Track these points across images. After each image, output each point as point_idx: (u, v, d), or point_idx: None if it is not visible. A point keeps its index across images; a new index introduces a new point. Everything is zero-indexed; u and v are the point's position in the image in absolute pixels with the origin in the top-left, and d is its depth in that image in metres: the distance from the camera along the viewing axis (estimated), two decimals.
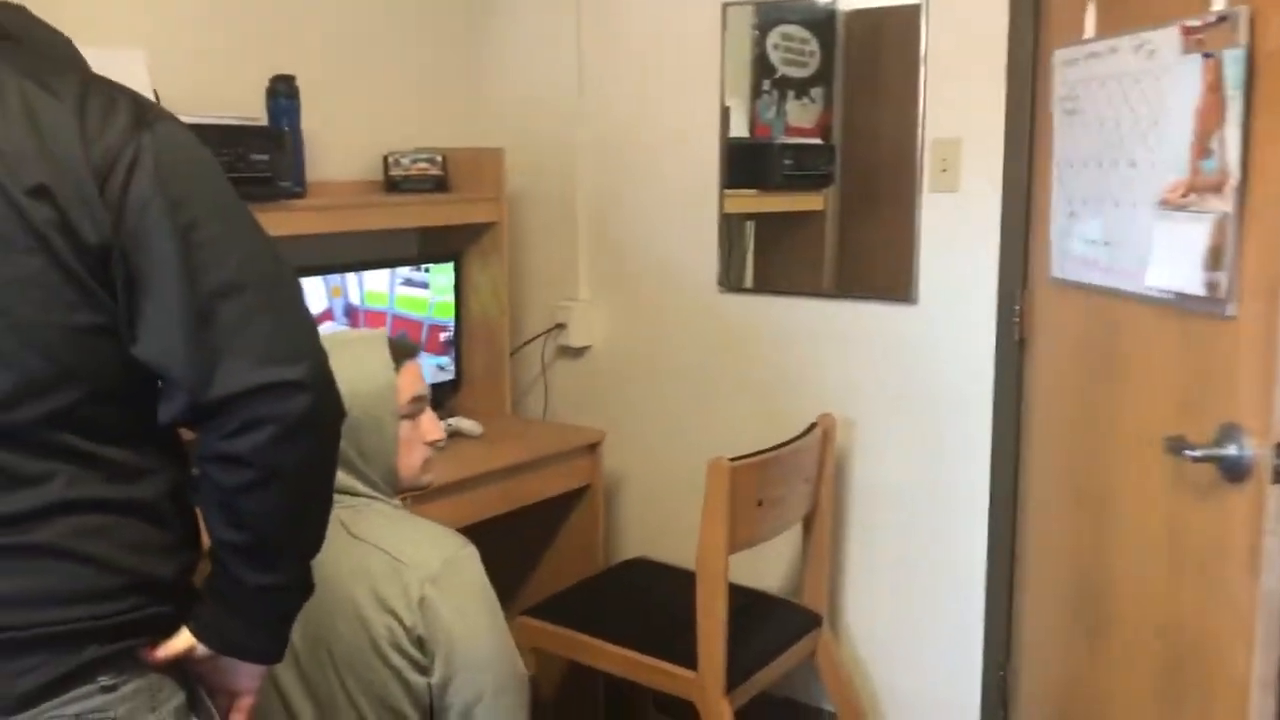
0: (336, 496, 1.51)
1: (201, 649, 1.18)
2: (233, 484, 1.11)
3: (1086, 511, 2.02)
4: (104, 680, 1.09)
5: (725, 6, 2.71)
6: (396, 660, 1.49)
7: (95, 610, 1.08)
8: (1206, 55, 1.53)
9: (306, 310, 1.16)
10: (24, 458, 1.05)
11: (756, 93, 2.73)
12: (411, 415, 1.62)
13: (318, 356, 1.12)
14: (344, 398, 1.41)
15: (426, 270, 2.82)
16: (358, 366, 1.54)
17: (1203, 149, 1.55)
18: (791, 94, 2.68)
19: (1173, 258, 1.62)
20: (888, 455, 2.60)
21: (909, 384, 2.56)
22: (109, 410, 1.09)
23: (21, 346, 1.04)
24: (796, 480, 2.39)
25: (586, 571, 2.75)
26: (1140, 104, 1.74)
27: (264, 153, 2.25)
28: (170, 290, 1.06)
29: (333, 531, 1.47)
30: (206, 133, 2.12)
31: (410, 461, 1.63)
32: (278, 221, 2.29)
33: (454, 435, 2.64)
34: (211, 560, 1.18)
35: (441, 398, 2.78)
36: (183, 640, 1.17)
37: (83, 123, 1.05)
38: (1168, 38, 1.64)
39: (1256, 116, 1.46)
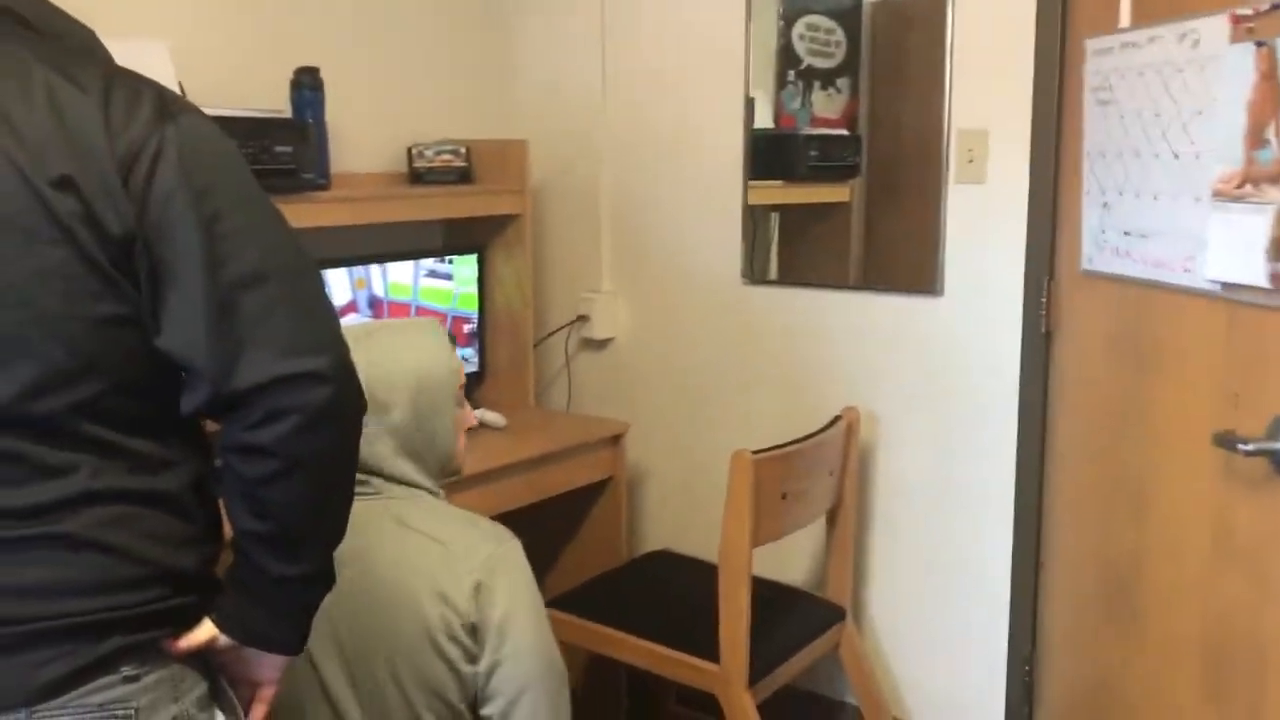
0: (391, 487, 1.59)
1: (224, 639, 1.19)
2: (255, 474, 1.11)
3: (1121, 506, 1.99)
4: (127, 670, 1.10)
5: None
6: (451, 650, 1.50)
7: (118, 601, 1.09)
8: (1259, 44, 1.50)
9: (328, 301, 1.16)
10: (48, 449, 1.06)
11: (782, 83, 2.71)
12: (460, 402, 1.66)
13: (339, 348, 1.12)
14: (414, 384, 1.55)
15: (450, 262, 2.82)
16: (426, 352, 1.58)
17: (1258, 139, 1.53)
18: (817, 84, 2.66)
19: (1231, 249, 1.59)
20: (912, 448, 2.59)
21: (934, 377, 2.54)
22: (132, 401, 1.10)
23: (45, 338, 1.04)
24: (820, 473, 2.38)
25: (609, 564, 2.75)
26: (1182, 94, 1.72)
27: (288, 145, 2.25)
28: (193, 281, 1.06)
29: (386, 524, 1.55)
30: (231, 125, 2.14)
31: (459, 448, 1.66)
32: (302, 214, 2.30)
33: (478, 427, 2.64)
34: (234, 551, 1.19)
35: (465, 389, 2.77)
36: (205, 631, 1.17)
37: (107, 115, 1.05)
38: (1214, 26, 1.61)
39: None
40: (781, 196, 2.79)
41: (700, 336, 2.88)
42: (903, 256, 2.58)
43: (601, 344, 3.07)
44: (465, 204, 2.76)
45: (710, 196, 2.82)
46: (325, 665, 1.54)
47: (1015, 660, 2.48)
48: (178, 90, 2.20)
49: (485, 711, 1.55)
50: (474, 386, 2.92)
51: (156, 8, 2.37)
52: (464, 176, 2.78)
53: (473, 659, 1.52)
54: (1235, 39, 1.56)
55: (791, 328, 2.73)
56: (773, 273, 2.79)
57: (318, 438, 1.10)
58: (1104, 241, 2.00)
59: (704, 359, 2.88)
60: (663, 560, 2.76)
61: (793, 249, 2.79)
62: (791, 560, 2.76)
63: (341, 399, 1.11)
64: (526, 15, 3.08)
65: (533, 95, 3.09)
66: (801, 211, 2.79)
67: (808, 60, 2.66)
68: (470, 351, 2.89)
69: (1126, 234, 1.91)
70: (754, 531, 2.17)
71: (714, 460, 2.50)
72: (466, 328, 2.87)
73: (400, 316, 2.71)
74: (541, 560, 2.91)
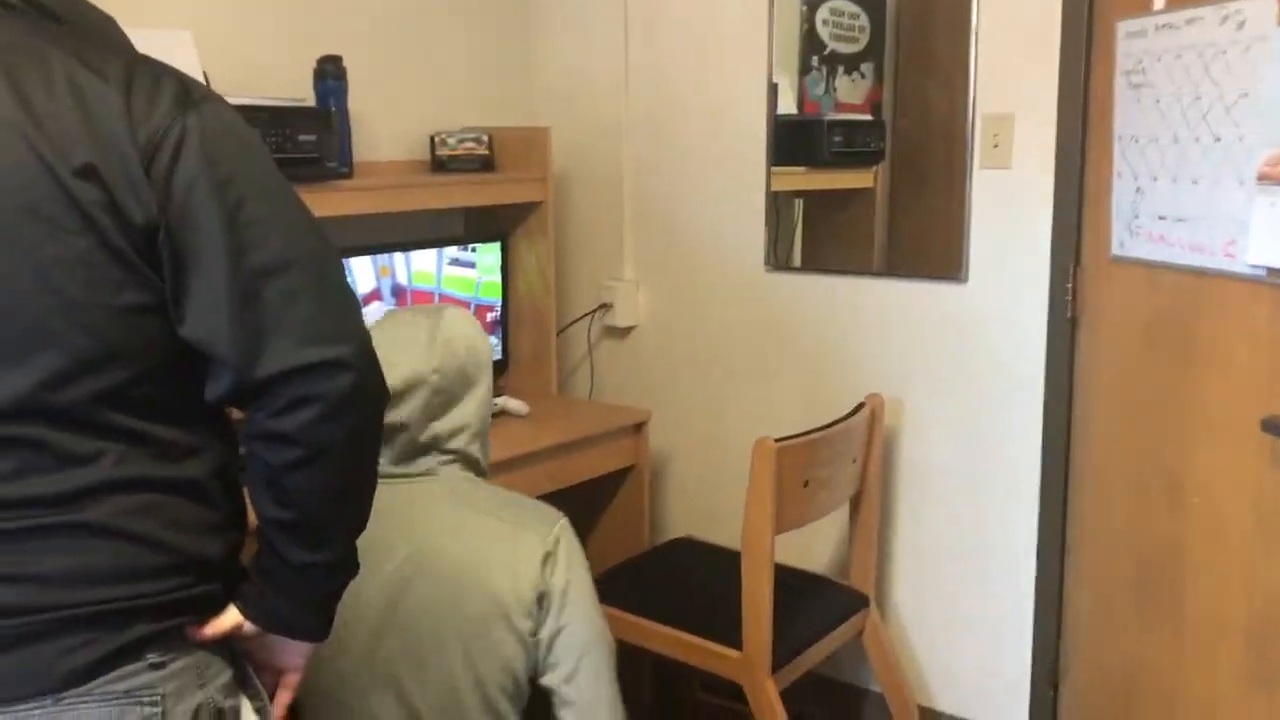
0: (446, 468, 1.63)
1: (249, 627, 1.19)
2: (279, 462, 1.12)
3: (1155, 491, 1.97)
4: (152, 658, 1.11)
5: None
6: (522, 624, 1.55)
7: (143, 588, 1.09)
8: None
9: (351, 289, 1.17)
10: (73, 437, 1.06)
11: (805, 69, 2.70)
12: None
13: (361, 335, 1.13)
14: (487, 362, 1.63)
15: (473, 250, 2.82)
16: (479, 335, 1.65)
17: None
18: (841, 70, 2.64)
19: (1276, 234, 1.57)
20: (936, 435, 2.57)
21: (958, 364, 2.52)
22: (156, 389, 1.10)
23: (70, 326, 1.04)
24: (844, 461, 2.37)
25: (632, 551, 2.75)
26: (1225, 76, 1.69)
27: (311, 134, 2.26)
28: (216, 270, 1.07)
29: (445, 504, 1.59)
30: (254, 114, 2.15)
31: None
32: (325, 202, 2.31)
33: (500, 415, 2.65)
34: (258, 539, 1.19)
35: None
36: (230, 618, 1.18)
37: (129, 103, 1.05)
38: (1261, 7, 1.58)
39: None
40: (805, 183, 2.77)
41: (723, 324, 2.88)
42: (927, 242, 2.57)
43: (624, 332, 3.06)
44: (488, 192, 2.76)
45: (733, 183, 2.80)
46: (388, 647, 1.55)
47: (1041, 646, 2.46)
48: (202, 79, 2.21)
49: (548, 679, 1.58)
50: (497, 375, 2.93)
51: None
52: (486, 164, 2.78)
53: (535, 630, 1.56)
54: None
55: (815, 315, 2.72)
56: (796, 259, 2.78)
57: (340, 425, 1.10)
58: (1137, 227, 1.98)
59: (727, 346, 2.88)
60: (685, 548, 2.76)
61: (816, 235, 2.78)
62: (815, 547, 2.75)
63: (363, 387, 1.11)
64: (549, 3, 3.07)
65: (555, 82, 3.08)
66: (825, 198, 2.77)
67: (832, 45, 2.65)
68: (493, 339, 2.89)
69: (1162, 218, 1.89)
70: (776, 519, 2.17)
71: (737, 448, 2.49)
72: (489, 316, 2.88)
73: (424, 304, 2.71)
74: None
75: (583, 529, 2.89)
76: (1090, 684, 2.31)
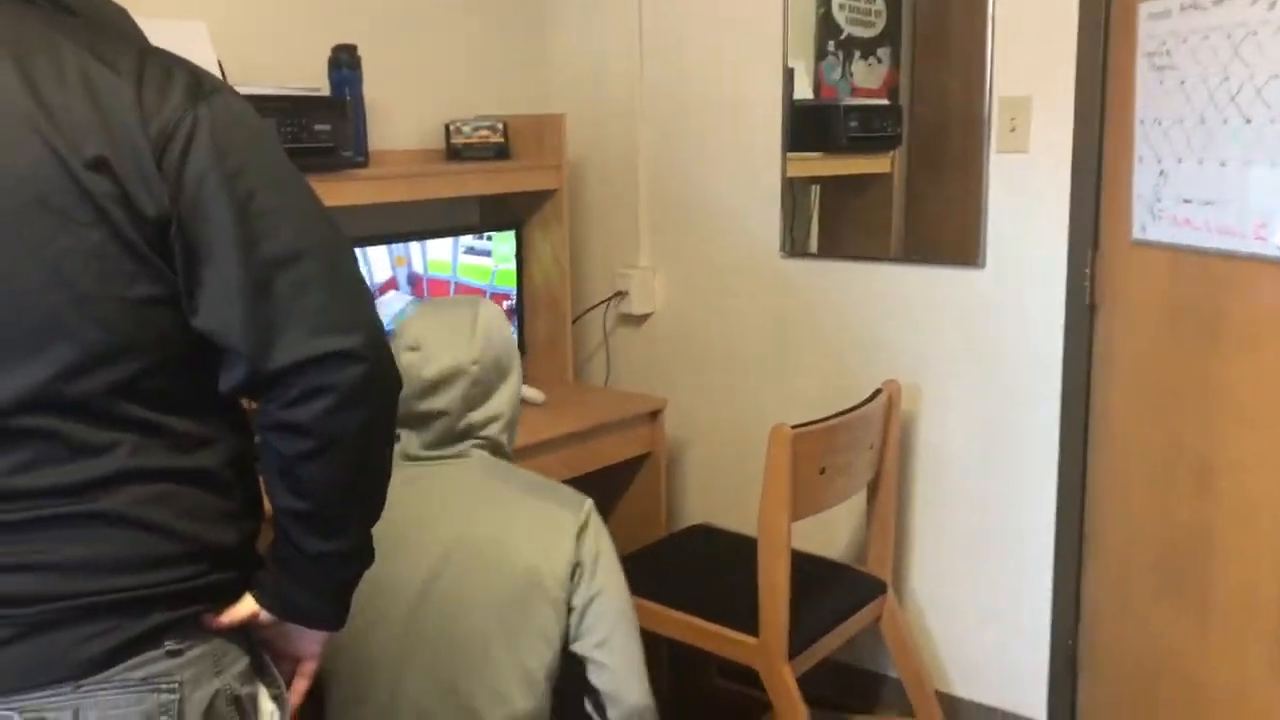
0: (480, 452, 1.70)
1: (265, 615, 1.20)
2: (293, 452, 1.12)
3: (1181, 479, 1.96)
4: (170, 645, 1.11)
5: None
6: (558, 592, 1.62)
7: (159, 577, 1.10)
8: None
9: (363, 279, 1.17)
10: (88, 427, 1.07)
11: (821, 54, 2.68)
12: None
13: (373, 326, 1.13)
14: (510, 352, 1.69)
15: (489, 238, 2.83)
16: (509, 326, 1.73)
17: None
18: (857, 54, 2.63)
19: None
20: (953, 421, 2.56)
21: (976, 349, 2.51)
22: (170, 381, 1.11)
23: (83, 319, 1.05)
24: (860, 447, 2.36)
25: (649, 538, 2.75)
26: (1256, 57, 1.67)
27: (326, 123, 2.26)
28: (228, 261, 1.07)
29: (482, 483, 1.66)
30: (269, 104, 2.15)
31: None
32: (341, 191, 2.31)
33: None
34: (274, 528, 1.20)
35: None
36: (246, 607, 1.19)
37: (140, 95, 1.06)
38: None
39: None
40: (821, 168, 2.76)
41: (739, 310, 2.87)
42: (944, 228, 2.55)
43: (640, 319, 3.06)
44: (503, 180, 2.76)
45: (749, 169, 2.79)
46: (425, 619, 1.60)
47: (1059, 633, 2.46)
48: (217, 70, 2.22)
49: (581, 645, 1.65)
50: None
51: None
52: (501, 152, 2.78)
53: (571, 597, 1.64)
54: None
55: (831, 301, 2.71)
56: (813, 246, 2.77)
57: (353, 415, 1.11)
58: (1160, 210, 1.96)
59: (743, 333, 2.87)
60: (702, 534, 2.76)
61: (833, 222, 2.76)
62: (833, 533, 2.75)
63: (375, 377, 1.11)
64: None
65: (569, 69, 3.08)
66: (842, 183, 2.76)
67: (848, 30, 2.63)
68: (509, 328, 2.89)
69: (1187, 201, 1.87)
70: (793, 505, 2.16)
71: (753, 434, 2.49)
72: (505, 304, 2.88)
73: (440, 294, 2.72)
74: None
75: (600, 516, 2.89)
76: (1111, 670, 2.31)
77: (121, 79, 1.06)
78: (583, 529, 1.66)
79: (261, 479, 1.20)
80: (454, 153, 2.75)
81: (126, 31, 1.17)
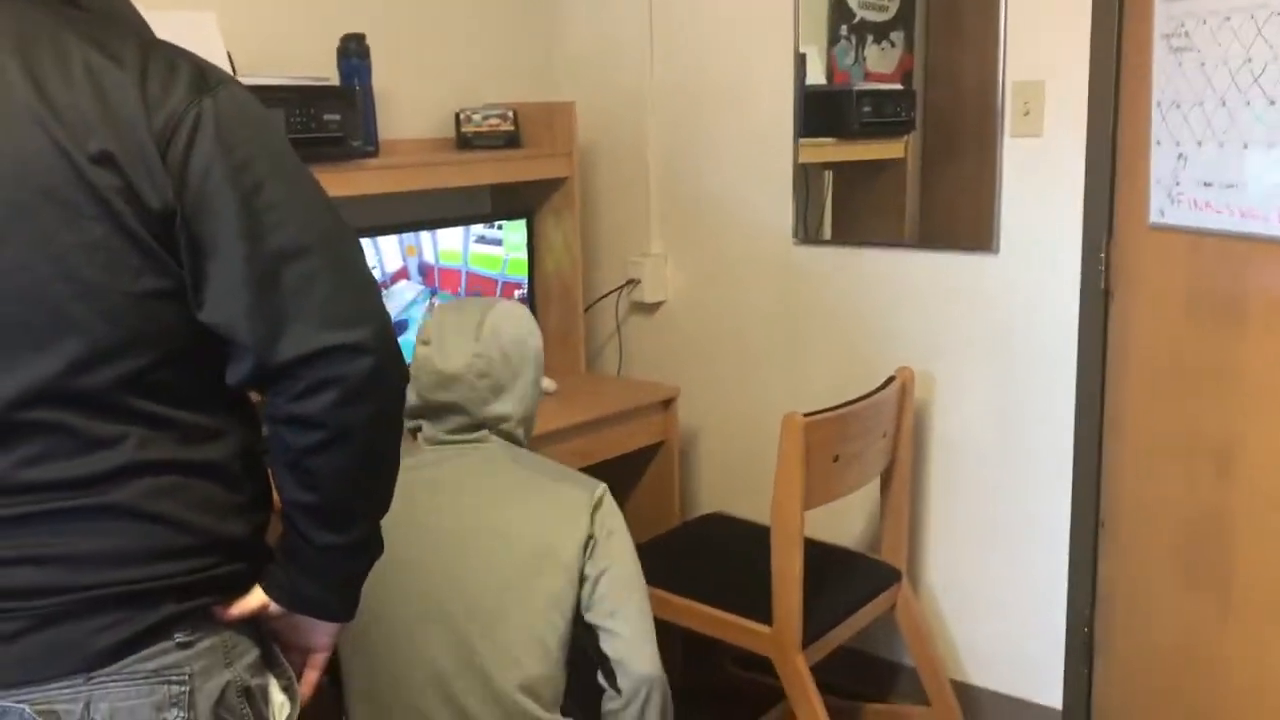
0: (497, 438, 1.77)
1: (274, 607, 1.20)
2: (301, 445, 1.12)
3: (1202, 464, 1.95)
4: (180, 637, 1.12)
5: None
6: (570, 562, 1.70)
7: (169, 569, 1.10)
8: None
9: (369, 272, 1.16)
10: (96, 421, 1.07)
11: (834, 39, 2.66)
12: None
13: (380, 318, 1.13)
14: (534, 353, 1.79)
15: (500, 227, 2.82)
16: (533, 325, 1.82)
17: None
18: (870, 39, 2.61)
19: None
20: (968, 408, 2.55)
21: (990, 336, 2.50)
22: (178, 374, 1.11)
23: (90, 313, 1.05)
24: (874, 435, 2.35)
25: (662, 527, 2.75)
26: None
27: (336, 113, 2.26)
28: (234, 254, 1.07)
29: (505, 464, 1.75)
30: (278, 94, 2.15)
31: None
32: (351, 181, 2.31)
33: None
34: (282, 520, 1.20)
35: None
36: (255, 598, 1.19)
37: (144, 89, 1.05)
38: None
39: None
40: (834, 154, 2.75)
41: (751, 298, 2.86)
42: (958, 214, 2.54)
43: (652, 307, 3.05)
44: (513, 168, 2.75)
45: (760, 155, 2.78)
46: (442, 588, 1.68)
47: (1075, 621, 2.45)
48: (226, 60, 2.22)
49: (594, 615, 1.72)
50: None
51: None
52: (512, 140, 2.77)
53: (584, 567, 1.72)
54: None
55: (844, 288, 2.70)
56: (826, 232, 2.75)
57: (360, 408, 1.11)
58: (1178, 194, 1.94)
59: (756, 320, 2.86)
60: (716, 523, 2.76)
61: (847, 207, 2.75)
62: (848, 522, 2.74)
63: (383, 369, 1.11)
64: None
65: (579, 56, 3.06)
66: (855, 169, 2.74)
67: (860, 14, 2.61)
68: None
69: (1207, 185, 1.85)
70: (806, 494, 2.16)
71: (767, 423, 2.48)
72: (517, 294, 2.87)
73: (452, 283, 2.72)
74: None
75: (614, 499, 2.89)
76: (1129, 657, 2.30)
77: (126, 72, 1.05)
78: (596, 506, 1.74)
79: (270, 471, 1.20)
80: (464, 141, 2.74)
81: (131, 24, 1.16)
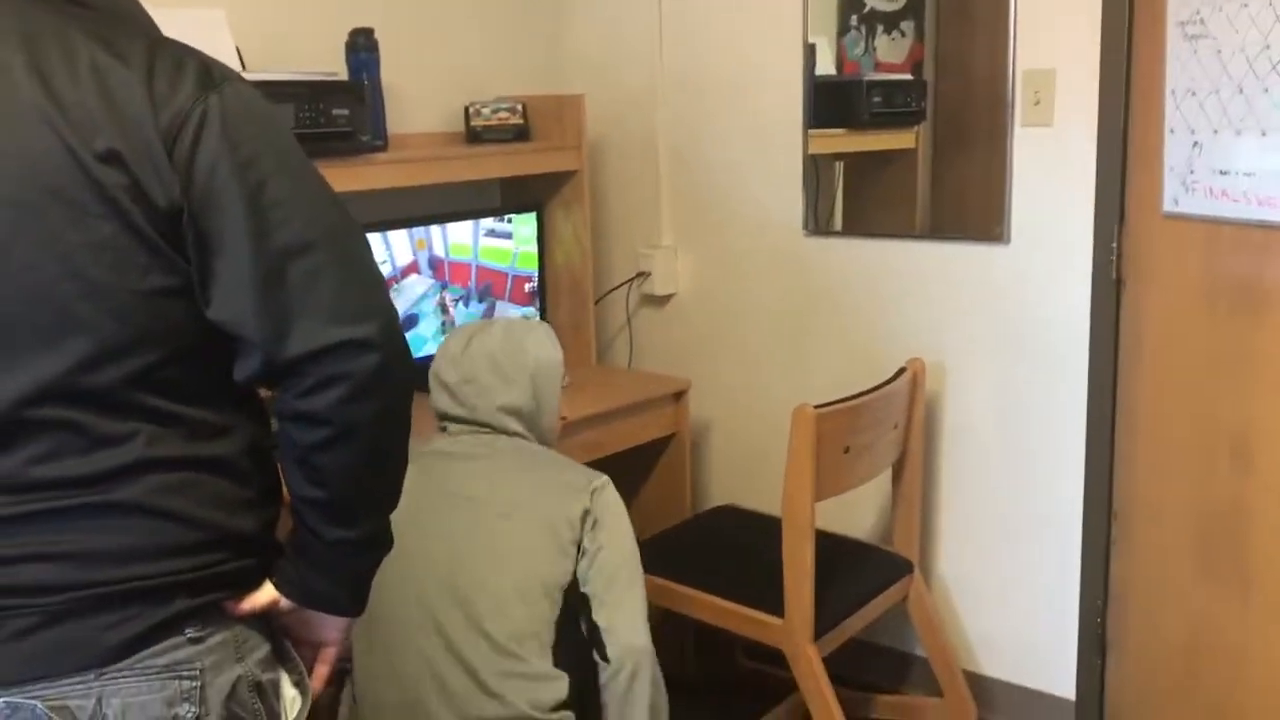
0: (509, 439, 1.94)
1: (285, 602, 1.21)
2: (309, 441, 1.12)
3: (1219, 455, 1.94)
4: (191, 632, 1.12)
5: None
6: (568, 536, 1.83)
7: (179, 565, 1.11)
8: None
9: (375, 267, 1.16)
10: (106, 418, 1.07)
11: (844, 29, 2.65)
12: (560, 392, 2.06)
13: (387, 314, 1.13)
14: (533, 367, 1.95)
15: (509, 221, 2.82)
16: (544, 348, 1.99)
17: None
18: (880, 28, 2.59)
19: None
20: (980, 399, 2.54)
21: (1001, 326, 2.49)
22: (186, 371, 1.11)
23: (98, 311, 1.05)
24: (885, 427, 2.35)
25: (673, 519, 2.75)
26: None
27: (345, 108, 2.26)
28: (240, 251, 1.07)
29: (510, 451, 1.92)
30: (287, 89, 2.15)
31: (557, 427, 2.06)
32: (360, 176, 2.31)
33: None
34: (292, 515, 1.20)
35: None
36: (266, 594, 1.19)
37: (151, 87, 1.06)
38: None
39: None
40: (843, 145, 2.74)
41: (762, 289, 2.85)
42: (969, 204, 2.53)
43: (662, 300, 3.05)
44: (523, 162, 2.75)
45: (770, 147, 2.77)
46: (452, 562, 1.80)
47: (1087, 612, 2.44)
48: (235, 57, 2.22)
49: (589, 587, 1.83)
50: None
51: None
52: (521, 134, 2.77)
53: (582, 540, 1.84)
54: None
55: (854, 279, 2.69)
56: (837, 223, 2.74)
57: (368, 404, 1.11)
58: (1193, 182, 1.93)
59: (766, 312, 2.86)
60: (727, 515, 2.76)
61: (857, 198, 2.74)
62: (859, 513, 2.74)
63: (389, 365, 1.11)
64: None
65: (587, 48, 3.06)
66: (866, 160, 2.74)
67: (871, 3, 2.60)
68: (531, 310, 2.89)
69: (1223, 173, 1.84)
70: (817, 486, 2.15)
71: (778, 414, 2.48)
72: (527, 287, 2.88)
73: (462, 277, 2.72)
74: None
75: (624, 498, 2.86)
76: (1143, 648, 2.29)
77: (132, 71, 1.06)
78: (597, 490, 1.87)
79: (280, 466, 1.20)
80: (473, 135, 2.74)
81: (138, 21, 1.16)
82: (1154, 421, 2.20)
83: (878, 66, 2.62)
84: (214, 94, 1.08)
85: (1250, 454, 1.86)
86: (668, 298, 3.04)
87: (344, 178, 2.21)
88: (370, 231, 2.44)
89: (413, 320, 2.63)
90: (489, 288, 2.79)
